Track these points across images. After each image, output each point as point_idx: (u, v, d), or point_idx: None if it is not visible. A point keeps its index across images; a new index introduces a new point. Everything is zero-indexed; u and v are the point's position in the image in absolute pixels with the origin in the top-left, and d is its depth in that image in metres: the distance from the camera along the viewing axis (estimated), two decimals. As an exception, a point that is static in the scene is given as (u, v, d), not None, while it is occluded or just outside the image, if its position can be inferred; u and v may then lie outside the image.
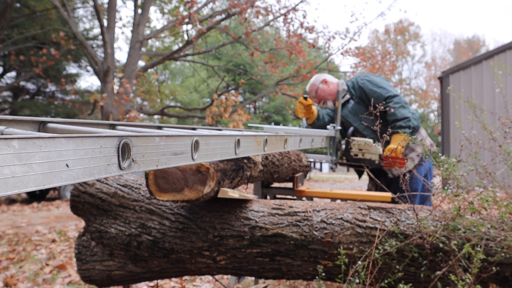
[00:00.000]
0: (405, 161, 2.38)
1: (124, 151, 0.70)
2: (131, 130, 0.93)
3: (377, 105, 2.64)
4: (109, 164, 0.66)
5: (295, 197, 2.29)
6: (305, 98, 2.81)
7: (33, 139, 0.51)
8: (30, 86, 16.83)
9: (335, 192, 2.24)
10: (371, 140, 2.42)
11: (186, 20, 9.00)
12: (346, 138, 2.49)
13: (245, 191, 1.97)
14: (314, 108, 2.92)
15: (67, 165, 0.57)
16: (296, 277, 1.65)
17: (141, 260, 1.73)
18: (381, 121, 2.75)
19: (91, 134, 0.62)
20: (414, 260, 1.45)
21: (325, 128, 2.72)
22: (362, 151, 2.41)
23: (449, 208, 1.51)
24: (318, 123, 2.99)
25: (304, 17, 9.94)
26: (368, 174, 2.46)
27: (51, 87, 16.91)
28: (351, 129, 2.60)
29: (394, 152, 2.34)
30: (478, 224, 1.38)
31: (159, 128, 1.13)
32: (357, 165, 2.46)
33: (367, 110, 2.75)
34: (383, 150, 2.45)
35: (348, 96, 2.88)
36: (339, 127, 2.47)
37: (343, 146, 2.47)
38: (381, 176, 2.81)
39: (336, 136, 2.44)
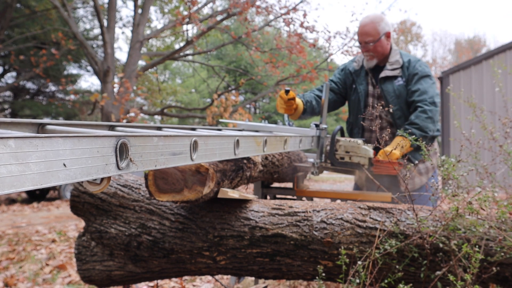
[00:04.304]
0: (399, 166, 2.06)
1: (122, 151, 0.70)
2: (130, 130, 0.92)
3: (409, 100, 2.46)
4: (107, 164, 0.66)
5: (295, 197, 2.29)
6: (287, 92, 2.31)
7: (29, 139, 0.51)
8: (30, 86, 16.84)
9: (335, 192, 2.24)
10: (360, 141, 2.14)
11: (187, 20, 9.01)
12: (331, 138, 2.14)
13: (245, 191, 1.96)
14: (299, 100, 2.43)
15: (64, 165, 0.57)
16: (296, 277, 1.64)
17: (141, 260, 1.73)
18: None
19: (88, 134, 0.62)
20: (414, 260, 1.45)
21: (319, 115, 2.31)
22: (349, 153, 2.11)
23: (449, 208, 1.51)
24: (306, 116, 2.56)
25: (304, 16, 9.95)
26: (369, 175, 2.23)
27: (51, 87, 16.91)
28: (338, 127, 2.23)
29: (389, 155, 2.04)
30: (477, 224, 1.38)
31: (159, 128, 1.13)
32: (343, 169, 2.17)
33: (407, 97, 2.43)
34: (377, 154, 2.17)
35: (398, 71, 2.46)
36: (324, 125, 2.11)
37: (328, 147, 2.14)
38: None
39: (321, 136, 2.10)
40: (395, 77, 2.47)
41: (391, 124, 2.48)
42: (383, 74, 2.47)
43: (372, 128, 2.55)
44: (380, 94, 2.51)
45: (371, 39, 2.44)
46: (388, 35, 2.48)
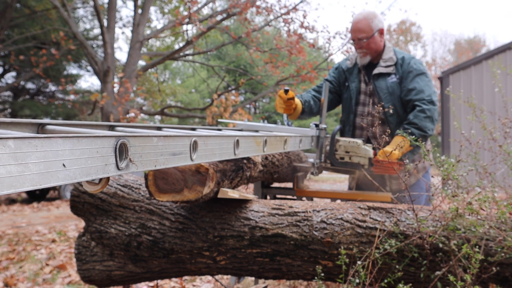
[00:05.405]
0: (400, 166, 2.03)
1: (121, 151, 0.70)
2: (129, 130, 0.92)
3: (405, 98, 2.46)
4: (106, 164, 0.66)
5: (295, 197, 2.29)
6: (286, 92, 2.29)
7: (29, 139, 0.51)
8: (30, 86, 16.84)
9: (335, 192, 2.24)
10: (360, 141, 2.12)
11: (186, 20, 9.01)
12: (331, 138, 2.13)
13: (245, 191, 1.96)
14: (298, 101, 2.42)
15: (63, 165, 0.57)
16: (296, 277, 1.64)
17: (141, 260, 1.73)
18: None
19: (88, 134, 0.62)
20: (414, 260, 1.45)
21: (319, 114, 2.31)
22: (349, 153, 2.10)
23: (449, 208, 1.51)
24: (305, 116, 2.55)
25: (304, 17, 9.95)
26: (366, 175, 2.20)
27: (51, 87, 16.91)
28: (337, 127, 2.23)
29: (389, 155, 2.01)
30: (477, 224, 1.38)
31: (159, 128, 1.13)
32: (343, 169, 2.17)
33: (403, 95, 2.40)
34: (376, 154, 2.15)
35: (392, 69, 2.44)
36: (324, 125, 2.11)
37: (327, 147, 2.14)
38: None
39: (321, 136, 2.10)
40: (388, 74, 2.45)
41: (383, 121, 2.47)
42: (376, 70, 2.46)
43: (363, 125, 2.57)
44: (372, 91, 2.50)
45: (364, 36, 2.43)
46: (381, 32, 2.47)
